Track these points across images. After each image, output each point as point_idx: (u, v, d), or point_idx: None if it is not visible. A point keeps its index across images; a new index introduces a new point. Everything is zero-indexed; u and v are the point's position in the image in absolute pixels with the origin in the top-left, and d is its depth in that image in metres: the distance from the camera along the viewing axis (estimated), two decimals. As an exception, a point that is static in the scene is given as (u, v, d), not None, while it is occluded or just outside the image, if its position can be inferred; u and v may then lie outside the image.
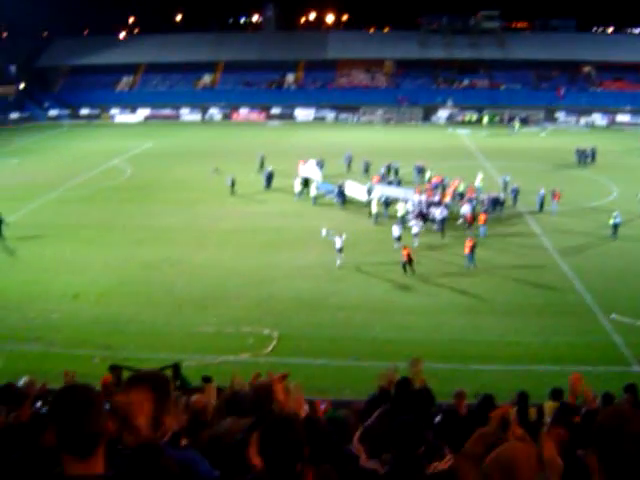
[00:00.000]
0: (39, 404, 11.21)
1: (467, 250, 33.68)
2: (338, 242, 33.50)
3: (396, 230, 36.75)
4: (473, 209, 41.06)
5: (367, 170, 52.46)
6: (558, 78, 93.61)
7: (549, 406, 13.00)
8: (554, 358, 24.29)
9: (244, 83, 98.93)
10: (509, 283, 32.08)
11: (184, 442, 4.51)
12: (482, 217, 38.89)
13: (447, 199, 42.84)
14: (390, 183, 48.42)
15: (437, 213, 39.92)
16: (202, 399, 9.01)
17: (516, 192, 44.94)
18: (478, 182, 48.18)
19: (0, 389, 9.76)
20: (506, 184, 48.07)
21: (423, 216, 40.55)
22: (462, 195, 44.01)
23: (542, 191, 43.52)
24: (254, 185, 50.71)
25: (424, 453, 5.66)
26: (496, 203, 43.05)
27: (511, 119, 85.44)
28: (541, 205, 43.61)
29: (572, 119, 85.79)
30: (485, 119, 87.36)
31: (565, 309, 28.93)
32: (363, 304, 29.81)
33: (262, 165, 54.67)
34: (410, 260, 32.66)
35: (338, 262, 33.57)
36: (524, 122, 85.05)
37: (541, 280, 32.38)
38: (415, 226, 37.75)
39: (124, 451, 3.89)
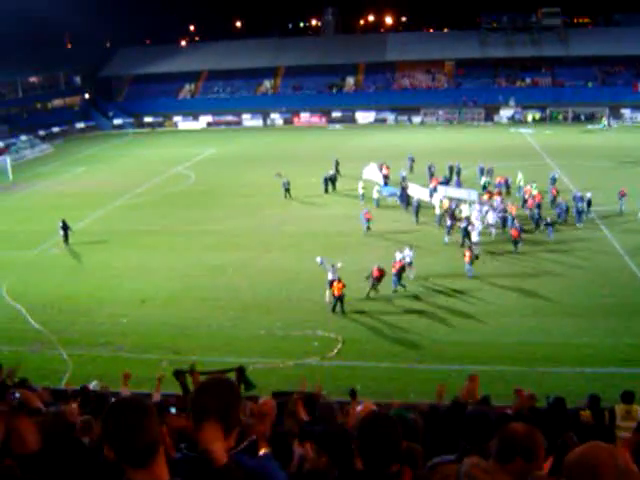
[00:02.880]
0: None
1: (394, 270, 31.05)
2: (330, 274, 30.04)
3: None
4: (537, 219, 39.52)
5: (432, 174, 51.31)
6: (623, 74, 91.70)
7: (620, 409, 12.79)
8: (624, 360, 23.82)
9: (304, 87, 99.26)
10: (577, 284, 31.52)
11: (264, 450, 4.50)
12: (467, 254, 32.85)
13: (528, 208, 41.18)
14: (446, 183, 48.46)
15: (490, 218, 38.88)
16: (270, 402, 9.09)
17: (578, 200, 40.79)
18: (519, 182, 47.51)
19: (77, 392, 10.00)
20: (554, 181, 47.17)
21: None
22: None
23: (589, 195, 41.12)
24: (317, 189, 50.83)
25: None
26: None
27: (576, 117, 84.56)
28: (586, 210, 40.69)
29: (638, 115, 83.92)
30: (529, 117, 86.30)
31: (635, 310, 28.27)
32: (426, 306, 29.67)
33: (337, 168, 54.68)
34: (341, 297, 29.29)
35: (327, 295, 30.15)
36: (589, 119, 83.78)
37: (610, 280, 31.72)
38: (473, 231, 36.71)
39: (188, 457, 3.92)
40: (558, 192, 43.58)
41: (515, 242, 36.09)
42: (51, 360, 25.97)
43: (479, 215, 39.03)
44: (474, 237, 36.54)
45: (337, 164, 55.29)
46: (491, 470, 4.24)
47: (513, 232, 36.30)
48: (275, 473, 4.08)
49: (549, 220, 38.07)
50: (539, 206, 40.60)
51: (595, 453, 3.75)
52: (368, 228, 39.98)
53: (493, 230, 38.72)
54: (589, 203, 40.96)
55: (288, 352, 25.73)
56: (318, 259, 31.48)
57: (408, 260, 32.37)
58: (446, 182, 48.73)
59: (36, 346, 27.27)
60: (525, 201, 42.74)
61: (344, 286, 28.94)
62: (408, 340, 26.71)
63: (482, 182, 48.16)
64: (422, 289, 31.55)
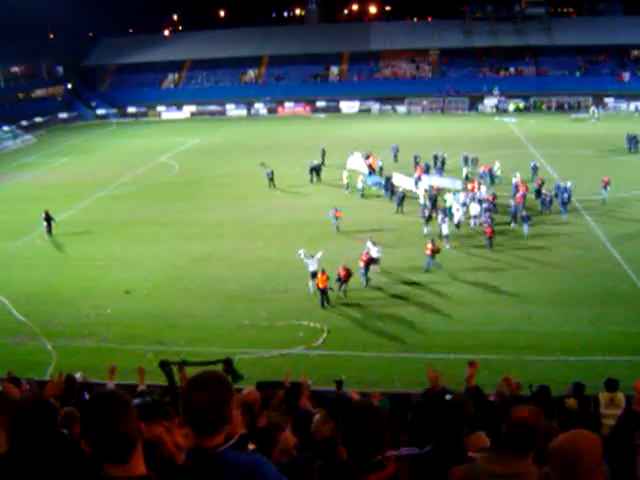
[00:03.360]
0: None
1: (362, 262, 30.62)
2: (311, 265, 29.93)
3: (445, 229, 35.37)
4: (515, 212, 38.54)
5: (417, 163, 51.00)
6: (607, 63, 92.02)
7: (604, 397, 12.84)
8: (608, 348, 23.94)
9: (288, 77, 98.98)
10: (561, 273, 31.61)
11: (251, 446, 4.46)
12: (429, 247, 32.14)
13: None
14: (426, 171, 48.50)
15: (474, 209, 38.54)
16: (253, 392, 9.08)
17: (563, 191, 40.54)
18: (496, 171, 47.78)
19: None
20: (536, 170, 47.21)
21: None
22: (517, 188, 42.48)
23: (569, 185, 40.90)
24: (301, 178, 50.77)
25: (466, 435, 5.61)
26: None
27: (559, 106, 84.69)
28: (568, 200, 40.14)
29: (622, 104, 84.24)
30: (511, 106, 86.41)
31: (619, 298, 28.42)
32: (411, 296, 29.69)
33: (323, 158, 54.81)
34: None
35: (310, 286, 30.14)
36: (573, 108, 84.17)
37: (593, 269, 31.85)
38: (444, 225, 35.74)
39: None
40: (543, 182, 43.08)
41: (489, 239, 34.95)
42: (35, 352, 25.82)
43: (461, 207, 38.82)
44: (444, 230, 35.55)
45: (324, 154, 55.28)
46: (508, 460, 4.20)
47: (487, 230, 35.18)
48: (267, 468, 4.03)
49: (525, 214, 37.01)
50: (524, 196, 40.31)
51: (578, 440, 3.76)
52: (338, 227, 38.68)
53: (476, 221, 38.39)
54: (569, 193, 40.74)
55: (273, 342, 25.70)
56: (300, 252, 31.30)
57: (374, 255, 31.90)
58: (426, 170, 48.75)
59: (20, 338, 27.13)
60: (517, 189, 41.87)
61: (328, 278, 28.82)
62: (393, 329, 26.72)
63: (464, 172, 47.95)
64: (405, 280, 31.51)
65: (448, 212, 37.91)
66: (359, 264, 30.56)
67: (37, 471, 4.34)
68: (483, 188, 42.41)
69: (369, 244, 32.22)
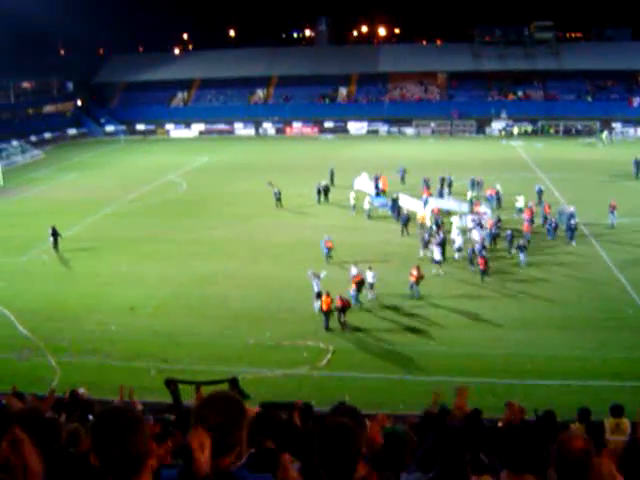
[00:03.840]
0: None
1: (353, 285, 30.87)
2: (316, 286, 30.07)
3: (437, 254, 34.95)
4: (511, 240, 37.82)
5: (429, 187, 50.20)
6: (614, 88, 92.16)
7: (610, 423, 12.76)
8: (613, 373, 23.82)
9: (296, 97, 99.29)
10: (566, 297, 31.49)
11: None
12: (414, 273, 31.79)
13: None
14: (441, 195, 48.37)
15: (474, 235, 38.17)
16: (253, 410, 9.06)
17: (569, 217, 39.98)
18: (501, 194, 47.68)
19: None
20: (541, 193, 47.31)
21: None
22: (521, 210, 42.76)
23: (572, 209, 40.84)
24: (308, 198, 50.83)
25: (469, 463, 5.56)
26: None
27: (567, 130, 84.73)
28: (575, 227, 39.43)
29: (629, 129, 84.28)
30: (515, 130, 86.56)
31: (624, 323, 28.33)
32: (416, 318, 29.61)
33: (332, 179, 54.96)
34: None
35: (315, 307, 29.95)
36: (580, 133, 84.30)
37: (599, 294, 31.78)
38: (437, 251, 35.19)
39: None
40: (550, 207, 42.70)
41: (482, 272, 33.83)
42: (39, 367, 25.79)
43: (467, 231, 38.77)
44: (437, 256, 35.07)
45: (332, 174, 55.37)
46: None
47: (480, 261, 34.00)
48: None
49: (522, 243, 36.35)
50: (530, 222, 39.88)
51: (569, 441, 3.82)
52: (330, 257, 36.97)
53: (477, 246, 37.89)
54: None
55: (277, 362, 25.65)
56: (309, 273, 31.24)
57: (370, 281, 31.67)
58: (427, 188, 48.76)
59: (24, 353, 27.10)
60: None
61: (332, 301, 28.72)
62: (397, 352, 26.64)
63: (469, 196, 47.44)
64: (409, 302, 31.42)
65: (444, 239, 36.96)
66: (351, 286, 30.66)
67: None
68: (488, 211, 42.30)
69: (353, 269, 31.89)
